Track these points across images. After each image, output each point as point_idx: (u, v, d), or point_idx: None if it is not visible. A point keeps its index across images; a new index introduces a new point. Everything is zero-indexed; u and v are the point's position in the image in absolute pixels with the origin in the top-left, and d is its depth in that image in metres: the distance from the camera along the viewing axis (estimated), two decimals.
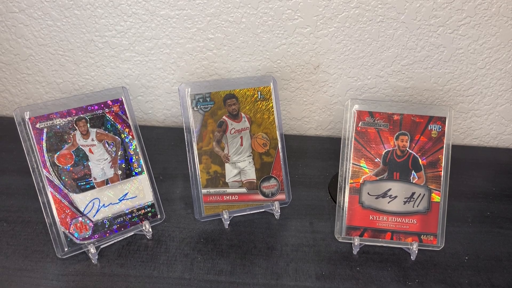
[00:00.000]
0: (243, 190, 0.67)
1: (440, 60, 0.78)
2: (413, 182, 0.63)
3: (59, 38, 0.78)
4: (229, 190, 0.67)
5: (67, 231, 0.60)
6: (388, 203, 0.63)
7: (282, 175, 0.69)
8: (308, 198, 0.72)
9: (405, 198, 0.63)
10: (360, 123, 0.64)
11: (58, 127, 0.60)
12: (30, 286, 0.56)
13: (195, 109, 0.65)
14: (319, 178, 0.76)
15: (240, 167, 0.67)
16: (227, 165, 0.67)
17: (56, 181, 0.59)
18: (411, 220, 0.63)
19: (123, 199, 0.63)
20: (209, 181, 0.66)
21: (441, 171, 0.63)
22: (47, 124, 0.59)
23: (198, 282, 0.58)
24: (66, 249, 0.59)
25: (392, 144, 0.64)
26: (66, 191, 0.60)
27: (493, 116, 0.83)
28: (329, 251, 0.63)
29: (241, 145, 0.67)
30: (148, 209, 0.65)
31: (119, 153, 0.63)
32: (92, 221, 0.61)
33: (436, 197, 0.63)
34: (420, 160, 0.64)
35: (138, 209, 0.64)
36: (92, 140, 0.62)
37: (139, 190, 0.64)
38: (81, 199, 0.61)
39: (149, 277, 0.58)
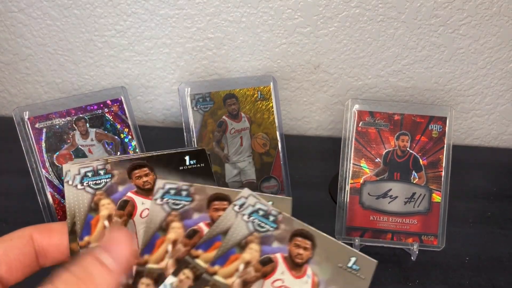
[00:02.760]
0: None
1: (441, 60, 0.77)
2: (414, 182, 0.63)
3: (58, 37, 0.78)
4: None
5: None
6: (389, 203, 0.63)
7: (282, 176, 0.68)
8: (308, 198, 0.72)
9: (405, 198, 0.63)
10: (361, 123, 0.64)
11: (57, 127, 0.59)
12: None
13: (194, 109, 0.65)
14: (319, 179, 0.75)
15: (240, 167, 0.67)
16: (226, 165, 0.66)
17: (56, 182, 0.59)
18: (412, 221, 0.62)
19: None
20: None
21: (441, 171, 0.63)
22: (46, 124, 0.59)
23: None
24: None
25: (393, 144, 0.64)
26: None
27: (494, 116, 0.83)
28: None
29: (241, 145, 0.67)
30: None
31: (118, 153, 0.63)
32: None
33: (436, 198, 0.63)
34: (420, 160, 0.63)
35: None
36: (92, 140, 0.61)
37: None
38: None
39: None
